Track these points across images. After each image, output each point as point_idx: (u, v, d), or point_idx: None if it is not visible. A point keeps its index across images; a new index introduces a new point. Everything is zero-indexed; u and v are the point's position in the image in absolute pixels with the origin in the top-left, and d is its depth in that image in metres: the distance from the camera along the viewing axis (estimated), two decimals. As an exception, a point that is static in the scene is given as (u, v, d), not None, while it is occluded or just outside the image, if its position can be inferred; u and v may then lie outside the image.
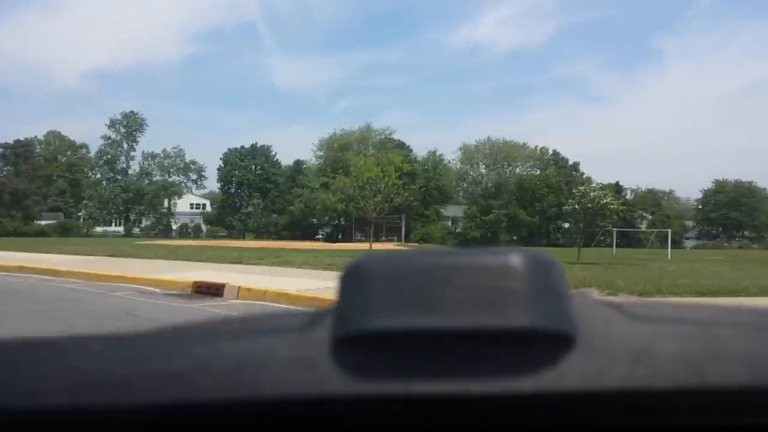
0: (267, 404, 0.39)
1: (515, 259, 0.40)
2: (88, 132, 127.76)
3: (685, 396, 0.38)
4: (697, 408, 0.38)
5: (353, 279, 0.41)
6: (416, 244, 53.10)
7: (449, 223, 71.11)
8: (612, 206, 20.59)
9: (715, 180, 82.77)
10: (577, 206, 20.65)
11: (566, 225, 66.95)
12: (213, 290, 10.15)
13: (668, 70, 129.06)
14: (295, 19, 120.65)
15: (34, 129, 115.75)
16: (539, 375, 0.37)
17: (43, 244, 27.85)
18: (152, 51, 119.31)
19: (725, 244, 69.44)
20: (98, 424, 0.40)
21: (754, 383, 0.38)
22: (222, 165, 76.06)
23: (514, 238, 65.62)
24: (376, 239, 63.06)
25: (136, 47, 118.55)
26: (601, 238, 50.58)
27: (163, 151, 76.03)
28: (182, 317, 7.78)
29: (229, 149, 76.86)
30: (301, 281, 10.93)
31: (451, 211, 74.30)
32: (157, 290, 10.76)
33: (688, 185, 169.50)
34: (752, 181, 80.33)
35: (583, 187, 21.22)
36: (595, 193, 20.33)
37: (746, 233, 78.87)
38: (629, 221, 63.50)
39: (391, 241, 60.16)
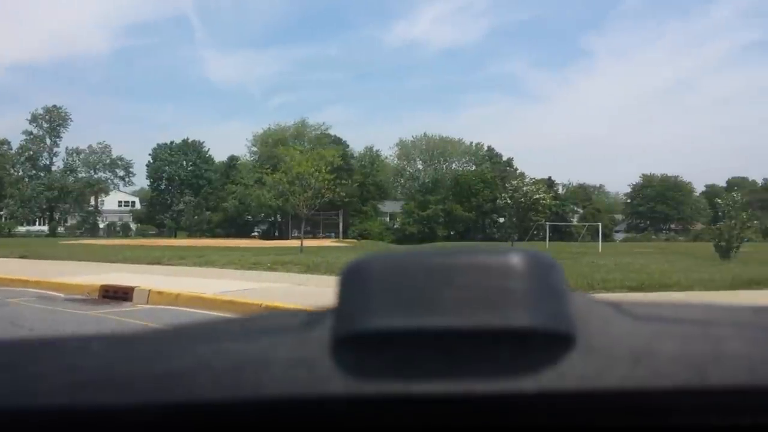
0: (267, 404, 0.39)
1: (515, 259, 0.40)
2: (13, 128, 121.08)
3: (685, 396, 0.37)
4: (697, 408, 0.38)
5: (353, 278, 0.40)
6: (354, 241, 52.69)
7: (387, 219, 70.96)
8: (544, 201, 20.63)
9: (643, 174, 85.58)
10: (509, 200, 20.64)
11: (501, 219, 68.46)
12: (121, 294, 9.36)
13: (597, 68, 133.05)
14: (229, 12, 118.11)
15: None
16: (539, 375, 0.37)
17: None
18: (81, 44, 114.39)
19: (653, 236, 71.84)
20: (98, 423, 0.40)
21: (754, 383, 0.38)
22: (151, 161, 73.52)
23: (452, 233, 66.07)
24: (314, 236, 62.75)
25: (64, 40, 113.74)
26: (535, 233, 51.42)
27: (88, 147, 72.80)
28: (73, 327, 7.05)
29: (158, 144, 74.31)
30: (220, 282, 10.24)
31: (389, 206, 74.19)
32: (61, 295, 9.84)
33: (618, 180, 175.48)
34: (678, 176, 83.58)
35: (515, 182, 21.21)
36: (528, 187, 20.34)
37: (672, 226, 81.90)
38: (561, 215, 64.85)
39: (329, 237, 59.58)
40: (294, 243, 31.42)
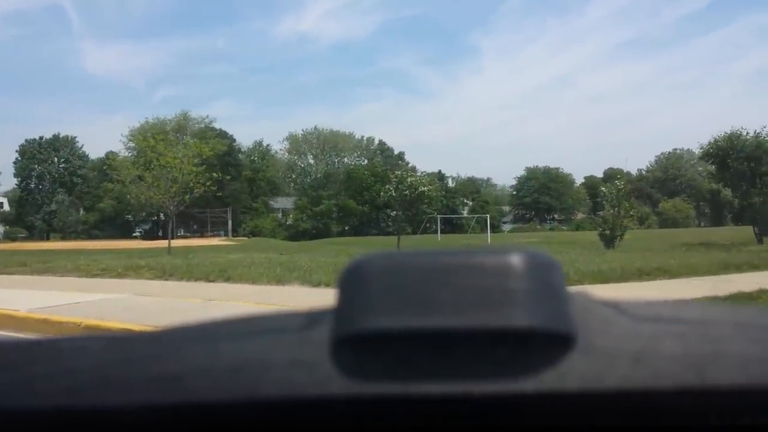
0: (265, 405, 0.39)
1: (514, 258, 0.40)
2: None
3: (685, 396, 0.38)
4: (697, 408, 0.38)
5: (352, 279, 0.40)
6: (244, 238, 50.66)
7: (280, 215, 69.05)
8: (430, 193, 20.09)
9: (527, 167, 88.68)
10: (394, 193, 19.90)
11: (394, 213, 68.53)
12: None
13: (483, 65, 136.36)
14: (110, 2, 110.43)
15: None
16: (539, 375, 0.37)
17: None
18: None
19: (538, 226, 74.48)
20: (96, 425, 0.40)
21: (753, 383, 0.38)
22: (18, 158, 67.55)
23: (346, 228, 65.28)
24: (201, 234, 59.97)
25: None
26: (428, 225, 51.79)
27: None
28: None
29: (26, 140, 68.63)
30: (46, 296, 8.63)
31: (281, 203, 72.49)
32: None
33: (504, 173, 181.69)
34: (559, 168, 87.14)
35: (399, 173, 20.49)
36: (412, 179, 19.69)
37: (556, 216, 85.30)
38: (452, 208, 65.80)
39: (217, 236, 57.12)
40: (176, 243, 29.19)
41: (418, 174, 19.89)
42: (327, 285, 8.92)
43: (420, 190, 19.27)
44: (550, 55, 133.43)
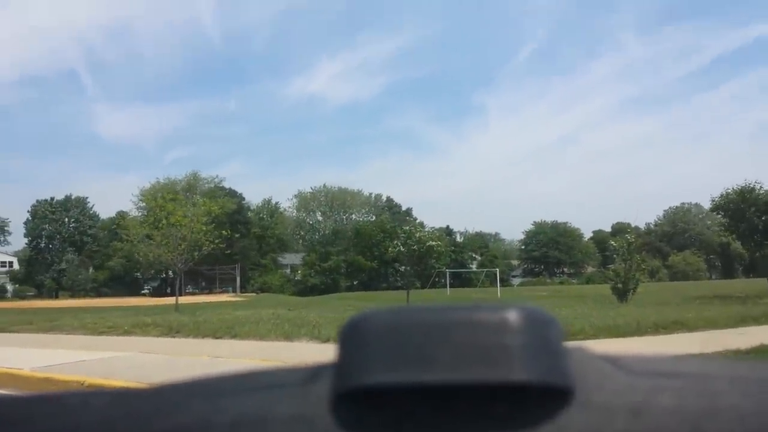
0: None
1: (512, 314, 0.40)
2: None
3: None
4: None
5: (352, 334, 0.41)
6: (253, 295, 50.42)
7: (288, 271, 68.83)
8: (439, 248, 19.95)
9: (535, 222, 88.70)
10: (402, 248, 19.75)
11: (403, 268, 68.15)
12: None
13: (489, 123, 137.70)
14: (121, 66, 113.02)
15: None
16: (538, 429, 0.37)
17: None
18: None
19: (547, 280, 73.90)
20: None
21: None
22: (30, 218, 68.19)
23: (355, 283, 64.88)
24: (210, 291, 59.79)
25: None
26: (437, 279, 51.43)
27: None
28: None
29: (38, 201, 69.40)
30: (50, 354, 8.49)
31: (290, 259, 72.40)
32: None
33: (512, 228, 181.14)
34: (567, 222, 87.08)
35: (407, 228, 20.42)
36: (420, 234, 19.58)
37: (565, 269, 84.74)
38: (461, 262, 65.45)
39: (226, 292, 56.90)
40: (184, 300, 29.07)
41: (427, 229, 19.70)
42: (336, 341, 8.73)
43: (428, 244, 19.14)
44: (555, 113, 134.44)
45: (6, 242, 71.96)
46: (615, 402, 0.39)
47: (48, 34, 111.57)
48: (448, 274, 47.55)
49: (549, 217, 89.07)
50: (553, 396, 0.38)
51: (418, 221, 66.82)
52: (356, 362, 0.39)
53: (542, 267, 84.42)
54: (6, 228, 69.84)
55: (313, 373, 0.42)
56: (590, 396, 0.38)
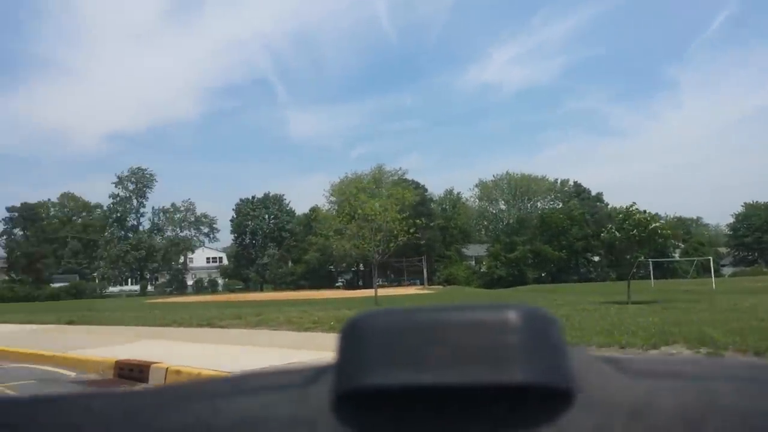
0: None
1: (511, 315, 0.40)
2: (105, 193, 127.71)
3: None
4: None
5: (352, 335, 0.41)
6: (439, 287, 50.49)
7: (473, 263, 68.27)
8: (663, 231, 17.41)
9: (746, 203, 79.49)
10: (617, 233, 17.45)
11: (596, 258, 64.31)
12: (137, 373, 7.63)
13: (682, 99, 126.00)
14: (307, 72, 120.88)
15: (49, 192, 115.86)
16: (537, 430, 0.37)
17: (29, 309, 25.47)
18: (169, 111, 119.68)
19: (764, 269, 65.60)
20: None
21: None
22: (234, 216, 74.59)
23: (542, 274, 62.64)
24: (399, 284, 60.95)
25: (153, 108, 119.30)
26: (635, 270, 47.33)
27: (172, 205, 74.76)
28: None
29: (241, 200, 75.61)
30: (260, 353, 8.41)
31: (474, 250, 71.80)
32: (72, 374, 8.21)
33: (715, 212, 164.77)
34: (785, 202, 76.83)
35: (626, 207, 18.05)
36: (640, 216, 17.09)
37: (785, 256, 75.03)
38: (661, 251, 60.18)
39: (413, 284, 57.62)
40: (378, 292, 29.60)
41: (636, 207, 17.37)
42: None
43: (652, 227, 16.86)
44: (759, 83, 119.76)
45: (215, 239, 79.28)
46: (615, 403, 0.39)
47: (243, 47, 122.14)
48: (651, 264, 43.47)
49: (759, 198, 79.45)
50: (553, 397, 0.38)
51: (610, 207, 62.82)
52: (356, 363, 0.39)
53: (756, 254, 75.46)
54: (214, 225, 76.82)
55: (313, 374, 0.42)
56: (591, 397, 0.39)
